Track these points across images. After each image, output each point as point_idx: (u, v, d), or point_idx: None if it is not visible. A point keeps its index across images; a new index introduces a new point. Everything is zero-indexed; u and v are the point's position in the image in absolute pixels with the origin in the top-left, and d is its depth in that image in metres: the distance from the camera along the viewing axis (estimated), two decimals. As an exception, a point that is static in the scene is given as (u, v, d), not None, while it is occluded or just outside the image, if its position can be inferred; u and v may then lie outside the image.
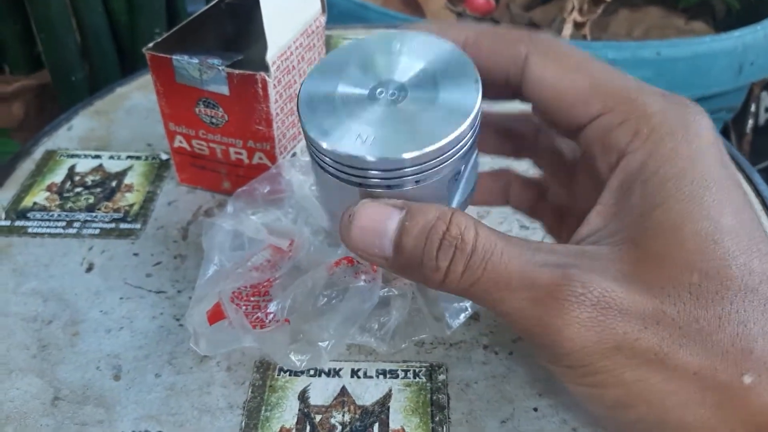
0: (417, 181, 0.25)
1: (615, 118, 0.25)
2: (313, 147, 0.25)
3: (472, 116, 0.24)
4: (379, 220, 0.25)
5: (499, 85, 0.27)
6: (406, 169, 0.24)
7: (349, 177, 0.25)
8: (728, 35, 0.85)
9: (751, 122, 1.02)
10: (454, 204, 0.27)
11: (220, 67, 0.39)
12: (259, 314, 0.33)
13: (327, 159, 0.25)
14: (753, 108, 1.01)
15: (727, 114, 0.97)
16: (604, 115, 0.25)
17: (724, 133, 1.03)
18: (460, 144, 0.25)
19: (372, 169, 0.24)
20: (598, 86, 0.25)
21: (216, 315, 0.33)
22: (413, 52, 0.26)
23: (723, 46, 0.82)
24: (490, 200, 0.34)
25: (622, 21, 0.98)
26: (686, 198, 0.23)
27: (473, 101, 0.25)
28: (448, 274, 0.24)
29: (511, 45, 0.26)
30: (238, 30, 0.47)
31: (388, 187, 0.25)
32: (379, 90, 0.25)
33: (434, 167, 0.25)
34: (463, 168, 0.27)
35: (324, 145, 0.24)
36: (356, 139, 0.24)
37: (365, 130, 0.24)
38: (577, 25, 0.90)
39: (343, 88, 0.26)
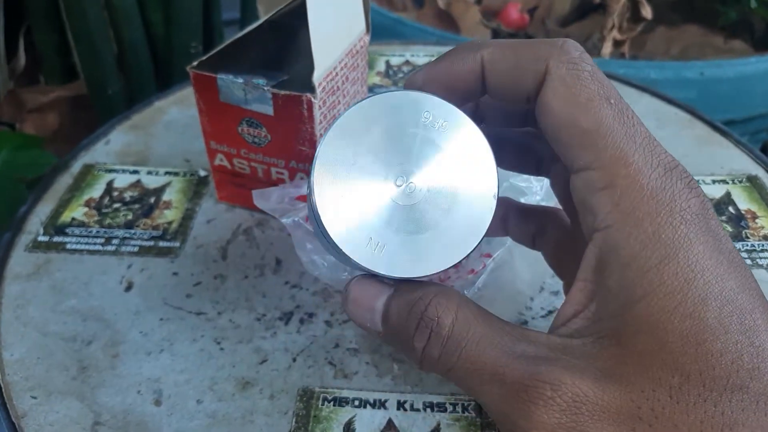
0: None
1: (600, 179, 0.22)
2: (317, 222, 0.24)
3: (474, 246, 0.24)
4: (370, 297, 0.26)
5: (519, 109, 0.26)
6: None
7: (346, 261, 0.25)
8: (774, 56, 0.83)
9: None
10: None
11: (265, 87, 0.38)
12: None
13: (330, 240, 0.24)
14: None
15: (767, 135, 0.95)
16: (590, 171, 0.22)
17: (763, 153, 1.01)
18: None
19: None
20: (597, 134, 0.22)
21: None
22: (436, 134, 0.24)
23: (767, 67, 0.81)
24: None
25: (660, 39, 0.96)
26: (669, 293, 0.21)
27: (481, 229, 0.24)
28: (425, 357, 0.24)
29: (529, 65, 0.24)
30: (279, 48, 0.46)
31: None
32: (397, 180, 0.24)
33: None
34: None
35: (332, 234, 0.23)
36: (367, 244, 0.24)
37: (376, 235, 0.24)
38: (617, 43, 0.89)
39: (361, 169, 0.24)
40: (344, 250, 0.23)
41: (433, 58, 0.65)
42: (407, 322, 0.24)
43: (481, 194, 0.24)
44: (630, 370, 0.21)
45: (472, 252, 0.24)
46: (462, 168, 0.24)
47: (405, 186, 0.24)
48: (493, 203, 0.24)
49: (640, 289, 0.21)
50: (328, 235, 0.24)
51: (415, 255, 0.23)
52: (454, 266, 0.24)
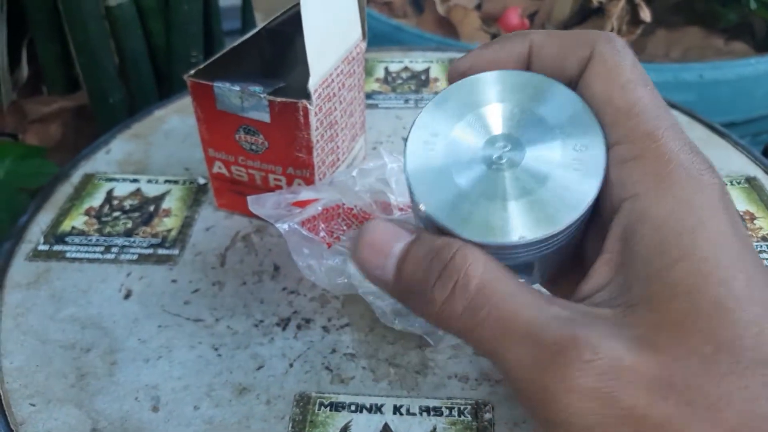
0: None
1: (630, 151, 0.23)
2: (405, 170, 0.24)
3: (569, 221, 0.22)
4: (387, 240, 0.24)
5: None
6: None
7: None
8: (773, 57, 0.83)
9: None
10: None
11: (261, 95, 0.38)
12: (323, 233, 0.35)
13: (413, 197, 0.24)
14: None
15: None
16: (620, 145, 0.23)
17: (764, 155, 1.01)
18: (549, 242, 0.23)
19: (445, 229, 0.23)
20: (631, 113, 0.23)
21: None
22: (540, 105, 0.24)
23: (767, 68, 0.81)
24: None
25: (660, 41, 0.96)
26: (704, 257, 0.21)
27: (584, 200, 0.23)
28: (444, 311, 0.22)
29: (574, 51, 0.25)
30: (277, 55, 0.47)
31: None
32: (495, 145, 0.24)
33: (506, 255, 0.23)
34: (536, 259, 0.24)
35: (414, 191, 0.23)
36: (451, 205, 0.23)
37: (461, 192, 0.23)
38: (616, 47, 0.89)
39: (460, 130, 0.24)
40: (422, 205, 0.23)
41: (431, 64, 0.65)
42: (428, 270, 0.22)
43: (586, 171, 0.23)
44: (664, 338, 0.20)
45: (569, 227, 0.23)
46: (570, 153, 0.23)
47: (501, 153, 0.23)
48: (600, 178, 0.23)
49: (675, 251, 0.21)
50: (412, 191, 0.23)
51: (502, 221, 0.22)
52: (547, 239, 0.22)
